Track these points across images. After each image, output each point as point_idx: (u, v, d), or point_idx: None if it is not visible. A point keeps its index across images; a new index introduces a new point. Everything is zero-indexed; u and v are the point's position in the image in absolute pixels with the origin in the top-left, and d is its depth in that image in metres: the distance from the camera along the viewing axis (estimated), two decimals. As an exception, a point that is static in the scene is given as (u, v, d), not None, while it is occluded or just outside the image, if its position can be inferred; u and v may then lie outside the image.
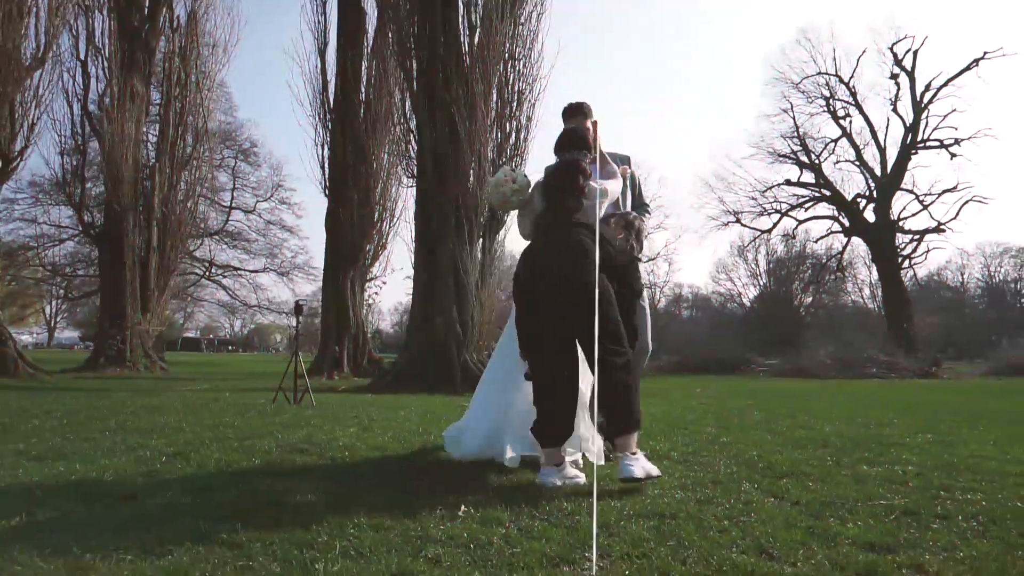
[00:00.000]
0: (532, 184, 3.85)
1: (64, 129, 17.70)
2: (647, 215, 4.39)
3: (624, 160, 4.26)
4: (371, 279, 18.73)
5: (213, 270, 37.22)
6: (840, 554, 2.15)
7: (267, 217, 37.63)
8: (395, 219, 18.10)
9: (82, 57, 17.65)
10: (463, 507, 2.62)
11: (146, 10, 18.72)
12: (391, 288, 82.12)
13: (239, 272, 38.11)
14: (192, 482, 3.01)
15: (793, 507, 2.80)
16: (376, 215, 17.64)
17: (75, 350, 51.08)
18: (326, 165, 17.71)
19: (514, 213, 4.28)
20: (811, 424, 6.04)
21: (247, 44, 39.83)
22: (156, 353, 18.41)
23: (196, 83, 19.27)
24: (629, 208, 4.30)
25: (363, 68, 18.08)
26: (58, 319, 58.47)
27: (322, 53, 18.20)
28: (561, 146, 3.75)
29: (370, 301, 19.83)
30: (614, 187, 3.89)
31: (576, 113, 4.02)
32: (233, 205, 36.63)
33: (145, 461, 3.54)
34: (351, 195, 17.10)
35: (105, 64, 17.62)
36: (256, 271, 38.02)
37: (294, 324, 8.88)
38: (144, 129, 19.08)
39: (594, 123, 4.05)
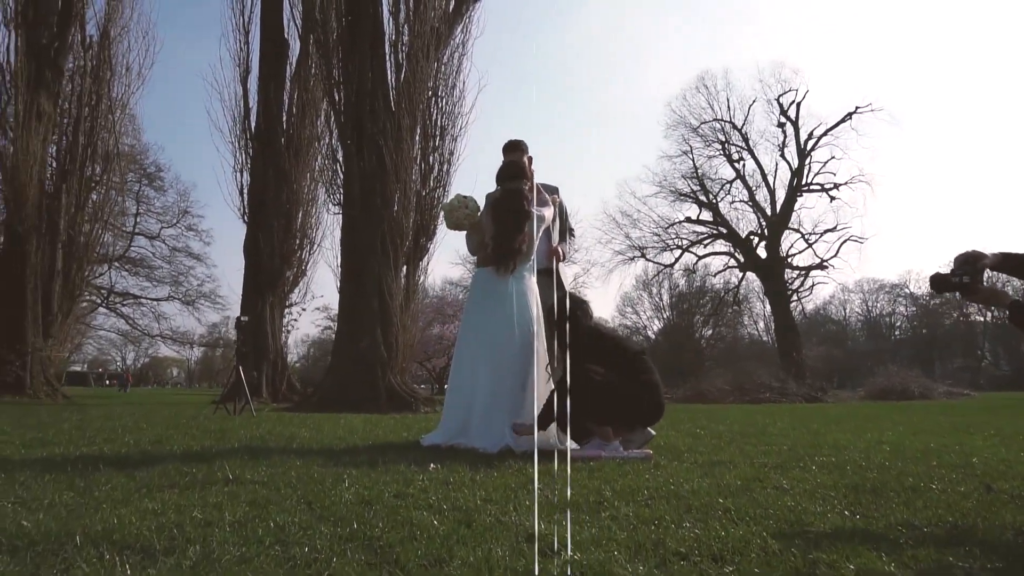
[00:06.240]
0: (481, 209, 4.54)
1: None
2: (572, 237, 5.16)
3: (554, 190, 5.01)
4: (290, 305, 18.79)
5: (112, 298, 35.72)
6: (725, 481, 2.89)
7: (172, 244, 36.69)
8: (315, 246, 18.35)
9: (-16, 71, 17.05)
10: (432, 464, 3.21)
11: (55, 27, 18.31)
12: (300, 322, 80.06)
13: (140, 300, 36.79)
14: (185, 456, 3.44)
15: (692, 465, 3.54)
16: (297, 241, 17.82)
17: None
18: (245, 191, 17.82)
19: (456, 235, 4.93)
20: (708, 426, 6.92)
21: (156, 67, 38.83)
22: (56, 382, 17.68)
23: (108, 106, 18.94)
24: (557, 230, 5.04)
25: (284, 96, 18.39)
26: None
27: (244, 80, 18.42)
28: (504, 176, 4.46)
29: (289, 328, 19.84)
30: (548, 214, 4.63)
31: (515, 148, 4.76)
32: (136, 231, 35.54)
33: (130, 447, 3.90)
34: (271, 221, 17.24)
35: (9, 80, 17.09)
36: (159, 299, 36.83)
37: (235, 340, 9.13)
38: (49, 150, 18.53)
39: (529, 158, 4.79)
